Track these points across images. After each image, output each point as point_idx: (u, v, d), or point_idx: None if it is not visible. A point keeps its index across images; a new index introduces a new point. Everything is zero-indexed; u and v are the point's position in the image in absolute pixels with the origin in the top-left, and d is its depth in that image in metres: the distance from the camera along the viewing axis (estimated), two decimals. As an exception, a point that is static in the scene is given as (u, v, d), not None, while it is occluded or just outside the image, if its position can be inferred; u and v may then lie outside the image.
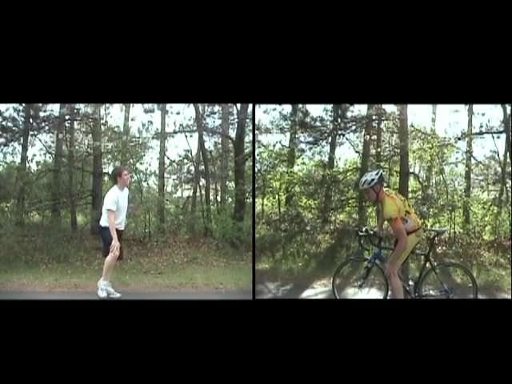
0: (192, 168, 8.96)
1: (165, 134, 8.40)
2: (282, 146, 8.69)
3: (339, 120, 8.13)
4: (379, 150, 7.85)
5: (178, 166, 9.15)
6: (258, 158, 8.42)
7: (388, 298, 4.43)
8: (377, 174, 4.13)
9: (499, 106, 7.23)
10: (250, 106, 8.41)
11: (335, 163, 8.64)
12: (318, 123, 8.45)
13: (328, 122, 8.39)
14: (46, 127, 7.99)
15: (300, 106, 8.31)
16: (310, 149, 8.61)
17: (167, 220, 8.23)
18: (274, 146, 8.60)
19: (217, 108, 8.72)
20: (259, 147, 8.60)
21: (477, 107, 7.52)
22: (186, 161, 9.02)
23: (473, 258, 6.80)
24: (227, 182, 8.90)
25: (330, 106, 8.12)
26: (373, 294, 5.14)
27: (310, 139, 8.62)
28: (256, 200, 8.81)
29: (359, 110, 8.03)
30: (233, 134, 8.70)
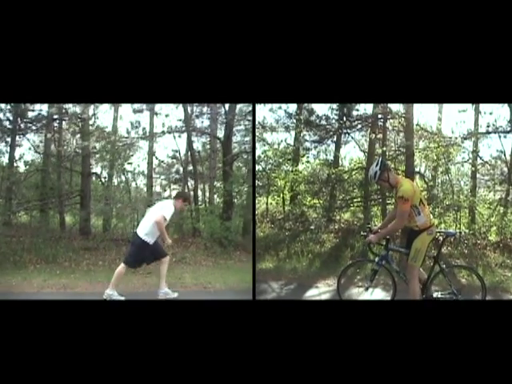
0: (180, 168, 8.99)
1: (153, 134, 8.43)
2: (287, 144, 8.69)
3: (345, 119, 8.11)
4: (384, 149, 7.80)
5: (166, 166, 9.15)
6: (262, 156, 8.42)
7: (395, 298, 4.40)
8: (376, 164, 4.07)
9: (506, 106, 7.19)
10: (238, 106, 8.55)
11: (340, 162, 8.63)
12: (323, 122, 8.44)
13: (333, 121, 8.37)
14: (34, 127, 7.99)
15: (305, 104, 8.29)
16: (315, 147, 8.62)
17: None
18: (279, 144, 8.59)
19: (206, 109, 8.83)
20: (264, 145, 8.60)
21: (484, 106, 7.49)
22: (174, 161, 9.05)
23: (478, 258, 6.76)
24: (215, 182, 8.95)
25: (335, 105, 8.10)
26: (379, 294, 5.10)
27: (316, 138, 8.61)
28: (260, 198, 8.84)
29: (365, 108, 8.03)
30: (221, 134, 8.78)
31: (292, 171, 8.41)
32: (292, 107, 8.48)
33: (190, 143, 8.71)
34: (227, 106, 8.51)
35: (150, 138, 8.46)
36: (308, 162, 8.75)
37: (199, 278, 6.15)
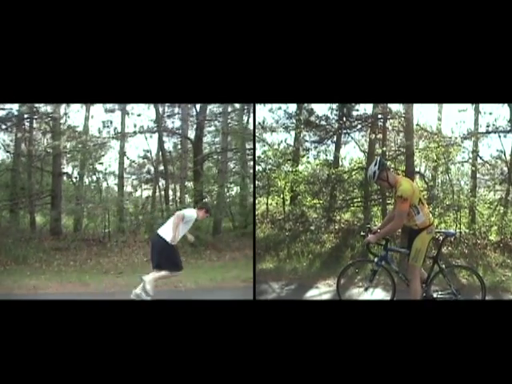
0: (151, 168, 9.09)
1: (125, 134, 8.48)
2: (287, 144, 8.68)
3: (344, 119, 8.10)
4: (384, 149, 7.80)
5: (137, 166, 9.18)
6: (262, 156, 8.41)
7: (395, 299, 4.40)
8: (375, 164, 4.07)
9: (506, 106, 7.19)
10: (209, 107, 8.72)
11: (340, 162, 8.62)
12: (323, 122, 8.43)
13: (333, 121, 8.36)
14: (4, 126, 7.91)
15: (305, 104, 8.29)
16: (315, 148, 8.59)
17: (127, 220, 8.36)
18: (279, 144, 8.59)
19: (177, 109, 8.91)
20: (264, 146, 8.59)
21: (484, 106, 7.48)
22: (145, 161, 9.11)
23: (479, 258, 6.75)
24: (186, 183, 9.05)
25: (335, 105, 8.09)
26: (379, 295, 5.10)
27: (316, 138, 8.60)
28: (261, 199, 8.84)
29: (365, 108, 8.01)
30: (192, 135, 8.91)
31: (292, 171, 8.40)
32: (292, 107, 8.48)
33: (161, 143, 8.81)
34: (198, 106, 8.65)
35: (122, 137, 8.50)
36: (308, 162, 8.74)
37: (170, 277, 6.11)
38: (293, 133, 8.63)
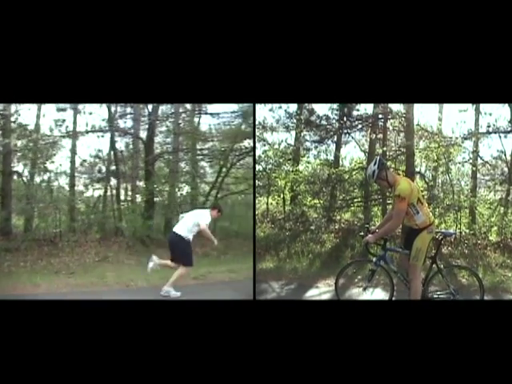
0: (103, 167, 8.99)
1: (76, 133, 8.39)
2: (288, 144, 8.67)
3: (345, 119, 8.10)
4: (385, 149, 7.79)
5: (89, 166, 9.03)
6: (263, 156, 8.41)
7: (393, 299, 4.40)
8: (375, 163, 4.09)
9: (507, 106, 7.18)
10: (161, 108, 8.76)
11: (341, 162, 8.60)
12: (323, 122, 8.41)
13: (334, 121, 8.35)
14: None
15: (306, 104, 8.28)
16: (316, 147, 8.57)
17: (78, 219, 8.33)
18: (280, 144, 8.57)
19: (129, 109, 8.90)
20: (264, 145, 8.58)
21: (484, 107, 7.47)
22: (97, 160, 8.98)
23: (479, 258, 6.75)
24: (137, 182, 9.06)
25: (336, 105, 8.08)
26: (378, 294, 5.10)
27: (316, 138, 8.58)
28: (261, 199, 8.83)
29: (365, 108, 7.99)
30: (144, 135, 8.95)
31: (292, 171, 8.40)
32: (292, 107, 8.47)
33: (112, 143, 8.79)
34: (150, 107, 8.69)
35: (73, 136, 8.40)
36: (308, 162, 8.73)
37: (122, 276, 6.09)
38: (293, 132, 8.63)
